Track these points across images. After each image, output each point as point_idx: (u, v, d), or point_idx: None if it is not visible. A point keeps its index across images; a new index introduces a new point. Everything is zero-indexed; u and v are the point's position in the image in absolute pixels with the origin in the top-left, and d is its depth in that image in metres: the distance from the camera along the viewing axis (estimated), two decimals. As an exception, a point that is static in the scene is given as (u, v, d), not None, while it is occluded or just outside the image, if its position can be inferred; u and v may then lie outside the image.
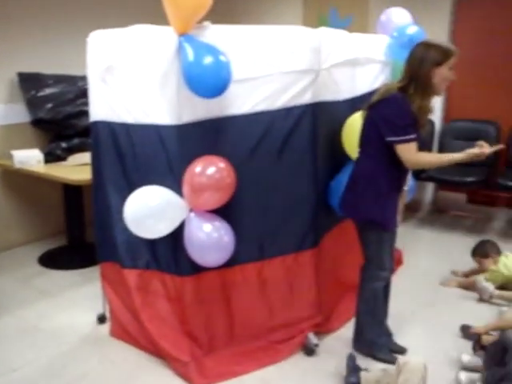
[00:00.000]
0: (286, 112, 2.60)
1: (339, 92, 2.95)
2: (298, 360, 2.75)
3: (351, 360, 2.56)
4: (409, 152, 2.38)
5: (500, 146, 2.37)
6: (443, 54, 2.37)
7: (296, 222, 2.76)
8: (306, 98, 2.62)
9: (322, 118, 2.75)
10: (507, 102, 4.86)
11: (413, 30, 3.44)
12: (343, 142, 2.96)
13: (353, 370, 2.51)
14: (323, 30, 2.76)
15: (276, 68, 2.53)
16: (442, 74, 2.39)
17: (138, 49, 2.42)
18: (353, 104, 3.02)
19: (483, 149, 2.39)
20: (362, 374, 2.46)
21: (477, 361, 2.57)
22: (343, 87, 2.98)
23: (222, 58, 2.25)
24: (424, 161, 2.46)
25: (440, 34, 4.90)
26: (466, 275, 3.69)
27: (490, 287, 3.32)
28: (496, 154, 4.66)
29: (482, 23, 4.92)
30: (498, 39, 4.84)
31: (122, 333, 2.88)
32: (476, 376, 2.46)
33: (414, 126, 2.40)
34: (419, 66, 2.37)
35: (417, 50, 2.42)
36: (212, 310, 2.70)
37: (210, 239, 2.44)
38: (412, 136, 2.37)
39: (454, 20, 5.00)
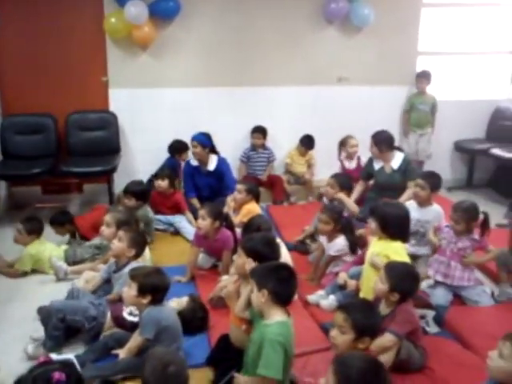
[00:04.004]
0: None
1: None
2: None
3: None
4: None
5: None
6: None
7: None
8: None
9: None
10: (60, 96, 5.22)
11: None
12: None
13: None
14: None
15: None
16: None
17: None
18: None
19: None
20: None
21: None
22: None
23: None
24: None
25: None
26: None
27: (63, 265, 3.61)
28: (57, 143, 5.11)
29: (26, 21, 5.06)
30: (45, 37, 5.10)
31: None
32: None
33: None
34: None
35: None
36: None
37: None
38: None
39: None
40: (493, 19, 5.97)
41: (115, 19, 4.95)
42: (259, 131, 5.45)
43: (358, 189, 4.57)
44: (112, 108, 5.30)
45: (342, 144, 5.18)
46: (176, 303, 2.82)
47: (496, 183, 5.85)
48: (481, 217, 3.28)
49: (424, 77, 5.64)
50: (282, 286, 2.19)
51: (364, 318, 2.15)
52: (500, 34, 6.02)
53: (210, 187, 4.80)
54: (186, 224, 4.48)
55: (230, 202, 4.51)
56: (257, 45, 5.38)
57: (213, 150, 4.87)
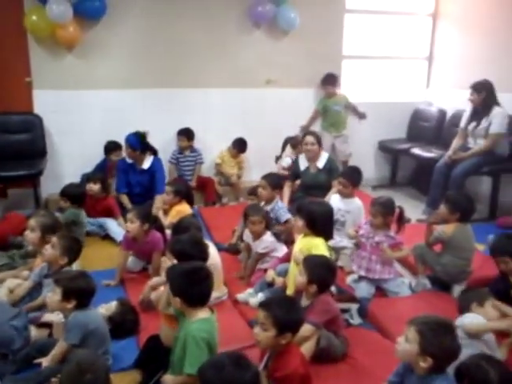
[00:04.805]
0: None
1: None
2: None
3: None
4: None
5: None
6: None
7: None
8: None
9: None
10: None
11: None
12: None
13: None
14: None
15: None
16: None
17: None
18: None
19: None
20: None
21: None
22: None
23: None
24: None
25: None
26: None
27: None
28: None
29: None
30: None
31: None
32: None
33: None
34: None
35: None
36: None
37: None
38: None
39: None
40: (411, 27, 6.32)
41: (36, 17, 4.78)
42: (183, 134, 5.42)
43: (287, 191, 4.69)
44: (37, 110, 5.13)
45: (297, 142, 5.19)
46: (105, 309, 2.79)
47: (416, 181, 6.17)
48: (397, 211, 3.48)
49: (327, 81, 5.72)
50: (193, 290, 2.17)
51: (285, 314, 2.16)
52: (417, 41, 6.38)
53: (141, 185, 4.82)
54: (114, 225, 4.42)
55: (158, 204, 4.52)
56: (185, 47, 5.39)
57: (151, 150, 4.87)
